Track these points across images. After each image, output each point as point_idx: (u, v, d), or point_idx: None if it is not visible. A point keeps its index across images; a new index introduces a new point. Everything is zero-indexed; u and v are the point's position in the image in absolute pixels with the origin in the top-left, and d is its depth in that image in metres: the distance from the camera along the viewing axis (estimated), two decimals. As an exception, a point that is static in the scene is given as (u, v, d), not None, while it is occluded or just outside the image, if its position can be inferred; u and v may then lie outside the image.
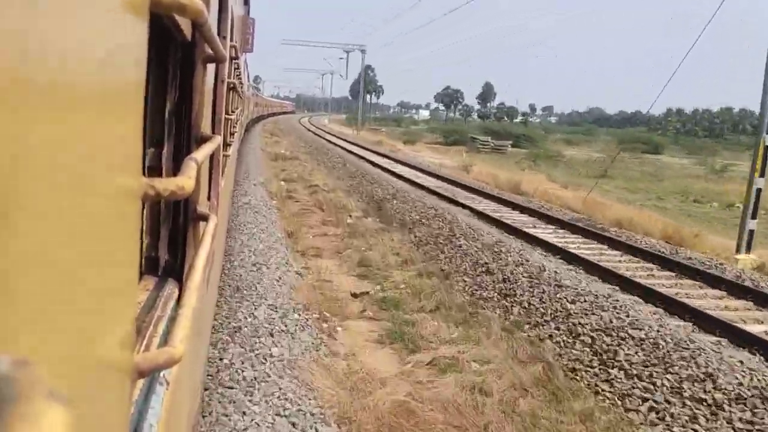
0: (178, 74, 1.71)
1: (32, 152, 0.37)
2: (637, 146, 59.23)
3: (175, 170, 1.39)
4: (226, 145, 3.38)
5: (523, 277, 8.63)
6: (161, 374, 1.15)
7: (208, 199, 2.32)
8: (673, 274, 9.59)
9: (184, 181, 0.96)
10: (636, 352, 6.28)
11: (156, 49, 1.58)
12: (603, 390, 5.76)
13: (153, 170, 1.68)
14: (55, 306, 0.42)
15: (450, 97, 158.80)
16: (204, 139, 1.77)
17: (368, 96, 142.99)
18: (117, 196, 0.61)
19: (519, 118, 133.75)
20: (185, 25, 1.41)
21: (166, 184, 0.90)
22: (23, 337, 0.35)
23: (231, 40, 2.84)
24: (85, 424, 0.49)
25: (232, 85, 3.61)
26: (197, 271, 1.29)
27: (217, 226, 2.02)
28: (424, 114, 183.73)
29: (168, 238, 1.72)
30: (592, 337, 6.72)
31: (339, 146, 34.77)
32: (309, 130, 55.55)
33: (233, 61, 3.38)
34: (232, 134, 4.44)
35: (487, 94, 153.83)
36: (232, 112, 4.41)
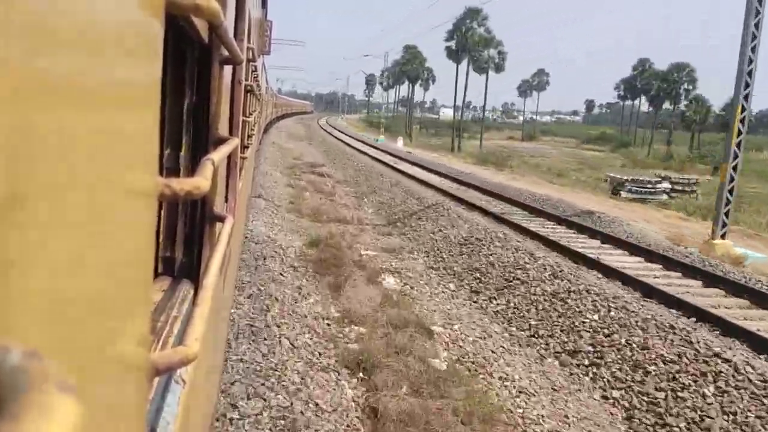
0: (194, 76, 1.72)
1: (47, 149, 0.37)
2: None
3: (193, 171, 1.40)
4: (243, 147, 3.40)
5: None
6: (177, 373, 1.16)
7: (226, 200, 2.33)
8: None
9: (200, 182, 0.96)
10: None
11: (172, 50, 1.59)
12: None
13: (171, 172, 1.70)
14: (68, 301, 0.43)
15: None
16: (221, 141, 1.78)
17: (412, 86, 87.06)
18: (133, 194, 0.61)
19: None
20: (202, 26, 1.42)
21: (182, 184, 0.91)
22: (36, 331, 0.35)
23: (248, 42, 2.86)
24: (101, 419, 0.49)
25: (249, 88, 3.64)
26: (212, 272, 1.29)
27: (234, 227, 2.03)
28: (447, 113, 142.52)
29: (184, 238, 1.73)
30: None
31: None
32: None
33: (250, 63, 3.40)
34: (249, 137, 4.47)
35: (673, 79, 76.58)
36: (250, 114, 4.44)
